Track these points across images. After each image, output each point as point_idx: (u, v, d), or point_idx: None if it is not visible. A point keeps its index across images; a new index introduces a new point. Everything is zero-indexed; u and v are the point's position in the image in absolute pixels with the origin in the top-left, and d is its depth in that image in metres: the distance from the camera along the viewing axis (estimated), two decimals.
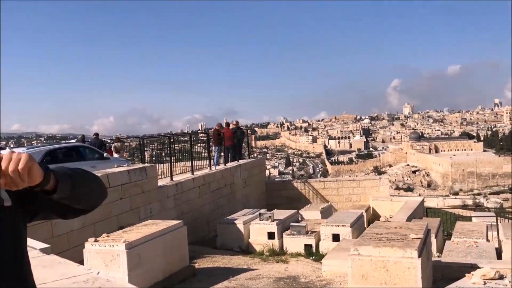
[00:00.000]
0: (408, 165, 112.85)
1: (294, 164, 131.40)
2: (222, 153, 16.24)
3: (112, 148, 15.98)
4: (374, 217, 14.56)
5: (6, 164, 1.19)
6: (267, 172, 20.40)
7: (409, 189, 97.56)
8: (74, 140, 18.19)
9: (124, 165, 11.42)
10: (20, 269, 1.42)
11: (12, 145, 16.46)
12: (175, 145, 13.72)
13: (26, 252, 1.46)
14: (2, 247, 1.35)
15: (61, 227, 7.66)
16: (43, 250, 4.37)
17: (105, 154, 13.16)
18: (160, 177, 11.56)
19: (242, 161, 16.50)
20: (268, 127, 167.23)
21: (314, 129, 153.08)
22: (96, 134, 17.38)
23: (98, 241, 6.53)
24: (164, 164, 13.26)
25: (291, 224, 10.59)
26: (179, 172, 13.07)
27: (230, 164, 15.60)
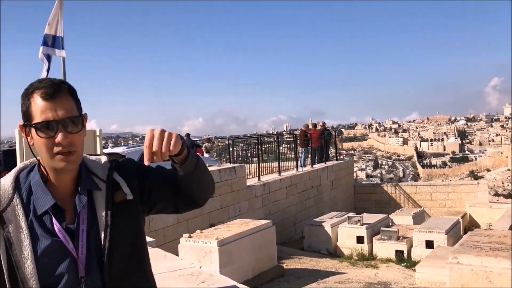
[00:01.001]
0: (508, 169, 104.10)
1: (382, 166, 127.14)
2: (308, 155, 16.21)
3: (202, 148, 16.60)
4: (471, 224, 13.63)
5: (158, 145, 1.30)
6: (354, 174, 19.96)
7: (510, 195, 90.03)
8: None
9: (215, 164, 11.83)
10: (143, 267, 1.48)
11: (110, 145, 17.77)
12: (262, 146, 13.92)
13: (146, 246, 1.53)
14: (129, 240, 1.41)
15: (158, 223, 8.13)
16: (148, 244, 4.68)
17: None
18: (247, 177, 11.82)
19: (329, 163, 16.34)
20: (355, 128, 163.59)
21: (404, 131, 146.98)
22: (188, 135, 18.13)
23: (192, 237, 6.84)
24: (251, 165, 13.54)
25: (382, 228, 10.28)
26: (266, 173, 13.26)
27: (317, 166, 15.52)
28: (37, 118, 1.32)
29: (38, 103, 1.32)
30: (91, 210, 1.39)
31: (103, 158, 1.50)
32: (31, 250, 1.30)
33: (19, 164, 1.46)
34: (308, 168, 15.01)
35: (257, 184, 11.65)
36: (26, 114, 1.35)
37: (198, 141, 21.24)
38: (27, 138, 1.37)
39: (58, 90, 1.34)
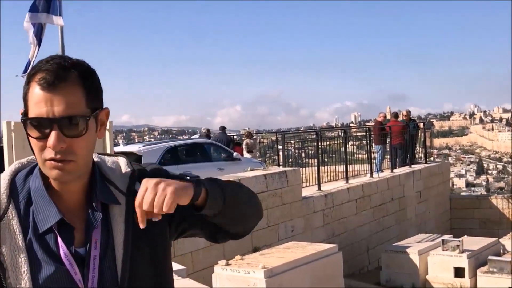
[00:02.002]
0: None
1: (489, 172, 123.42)
2: (387, 155, 16.02)
3: (243, 146, 16.71)
4: None
5: (149, 203, 1.29)
6: (449, 182, 19.59)
7: None
8: (197, 136, 19.44)
9: (259, 168, 11.88)
10: None
11: (121, 141, 18.18)
12: (322, 143, 13.84)
13: (172, 278, 1.58)
14: (152, 271, 1.45)
15: (185, 245, 8.27)
16: (177, 272, 4.79)
17: (234, 154, 13.84)
18: (303, 185, 11.81)
19: (415, 167, 16.12)
20: (451, 119, 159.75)
21: None
22: (223, 128, 18.25)
23: (230, 264, 6.92)
24: (307, 168, 13.51)
25: (490, 257, 10.05)
26: (328, 180, 13.18)
27: (398, 171, 15.35)
28: (31, 111, 1.33)
29: (35, 91, 1.32)
30: (106, 230, 1.41)
31: (123, 162, 1.52)
32: (30, 279, 1.30)
33: (14, 164, 1.46)
34: (386, 173, 14.87)
35: (316, 194, 11.62)
36: (24, 102, 1.36)
37: (235, 137, 21.44)
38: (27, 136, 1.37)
39: (61, 78, 1.31)
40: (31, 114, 1.32)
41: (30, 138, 1.34)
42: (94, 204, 1.40)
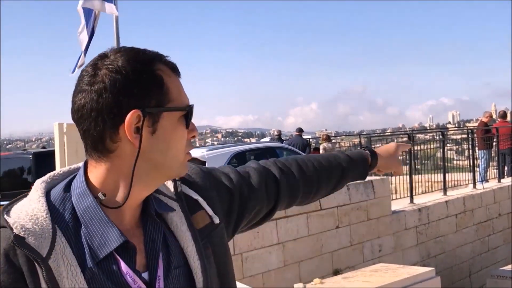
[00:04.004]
0: None
1: None
2: (493, 162, 15.65)
3: (321, 150, 16.70)
4: None
5: None
6: None
7: None
8: (267, 139, 19.55)
9: None
10: None
11: None
12: (414, 148, 13.69)
13: None
14: (220, 278, 1.49)
15: (255, 265, 8.30)
16: None
17: None
18: (392, 197, 11.70)
19: None
20: None
21: None
22: (300, 130, 18.36)
23: None
24: (397, 178, 13.32)
25: None
26: (421, 191, 13.01)
27: (507, 181, 14.97)
28: (180, 98, 1.40)
29: (173, 78, 1.40)
30: (165, 245, 1.43)
31: None
32: None
33: (38, 183, 1.41)
34: (492, 183, 14.55)
35: (408, 208, 11.47)
36: (156, 90, 1.35)
37: (311, 140, 21.41)
38: (141, 133, 1.33)
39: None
40: (178, 102, 1.39)
41: (180, 131, 1.40)
42: (153, 214, 1.43)
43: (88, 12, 8.97)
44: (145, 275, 1.35)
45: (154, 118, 1.33)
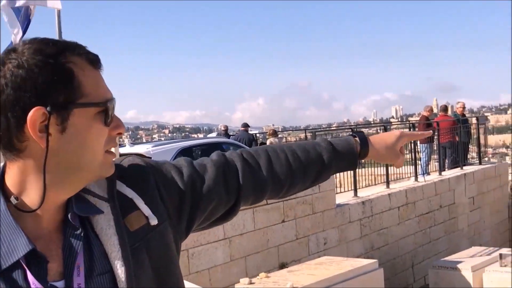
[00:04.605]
0: None
1: None
2: (434, 155, 15.91)
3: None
4: None
5: None
6: (508, 186, 19.37)
7: None
8: (214, 134, 19.49)
9: None
10: None
11: (127, 140, 18.19)
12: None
13: None
14: (158, 280, 1.38)
15: (201, 261, 8.29)
16: None
17: None
18: (337, 191, 11.81)
19: (468, 169, 16.01)
20: (508, 112, 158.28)
21: None
22: (246, 125, 18.32)
23: (253, 283, 6.94)
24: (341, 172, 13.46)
25: None
26: (365, 185, 13.14)
27: (448, 173, 15.27)
28: (96, 93, 1.28)
29: (88, 71, 1.28)
30: (88, 250, 1.32)
31: None
32: None
33: None
34: (433, 176, 14.80)
35: (352, 202, 11.60)
36: (61, 88, 1.23)
37: (258, 135, 21.44)
38: (47, 132, 1.22)
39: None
40: (93, 97, 1.27)
41: (97, 128, 1.28)
42: (70, 217, 1.30)
43: (18, 11, 8.64)
44: (61, 283, 1.25)
45: (63, 115, 1.23)
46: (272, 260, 9.34)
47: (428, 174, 15.06)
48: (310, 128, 30.78)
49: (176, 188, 1.51)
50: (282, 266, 9.11)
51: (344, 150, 1.78)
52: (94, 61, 1.30)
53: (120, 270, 1.30)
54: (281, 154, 1.72)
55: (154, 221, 1.38)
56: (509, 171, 18.33)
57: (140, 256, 1.35)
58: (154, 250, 1.38)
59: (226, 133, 18.66)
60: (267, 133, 18.57)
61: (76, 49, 1.28)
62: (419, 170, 14.58)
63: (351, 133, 1.86)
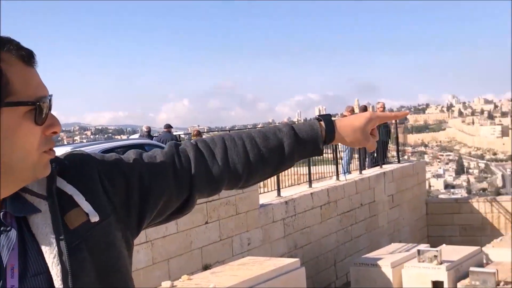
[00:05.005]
0: None
1: (470, 171, 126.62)
2: (355, 155, 16.17)
3: None
4: None
5: None
6: (426, 184, 19.92)
7: None
8: (136, 135, 19.25)
9: None
10: None
11: None
12: None
13: None
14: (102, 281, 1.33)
15: None
16: None
17: None
18: (260, 191, 11.84)
19: (387, 167, 16.34)
20: (426, 112, 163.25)
21: (504, 114, 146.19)
22: (168, 126, 18.22)
23: (175, 286, 6.87)
24: None
25: (471, 269, 10.23)
26: (288, 184, 13.24)
27: (368, 172, 15.54)
28: (26, 91, 1.23)
29: (19, 68, 1.23)
30: (23, 250, 1.27)
31: None
32: None
33: None
34: (354, 175, 15.00)
35: (275, 201, 11.66)
36: None
37: (182, 136, 21.29)
38: None
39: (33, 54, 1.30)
40: (22, 95, 1.22)
41: (28, 127, 1.23)
42: (1, 218, 1.25)
43: None
44: None
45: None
46: (195, 262, 9.29)
47: (350, 173, 15.24)
48: (236, 128, 30.86)
49: (122, 181, 1.44)
50: (206, 267, 9.07)
51: (307, 136, 1.68)
52: (26, 57, 1.25)
53: (55, 269, 1.25)
54: (239, 141, 1.63)
55: (95, 218, 1.32)
56: (427, 169, 18.81)
57: (80, 254, 1.29)
58: (96, 248, 1.32)
59: (149, 134, 18.45)
60: (192, 134, 18.48)
61: (6, 44, 1.22)
62: (341, 169, 14.74)
63: (317, 116, 1.75)
